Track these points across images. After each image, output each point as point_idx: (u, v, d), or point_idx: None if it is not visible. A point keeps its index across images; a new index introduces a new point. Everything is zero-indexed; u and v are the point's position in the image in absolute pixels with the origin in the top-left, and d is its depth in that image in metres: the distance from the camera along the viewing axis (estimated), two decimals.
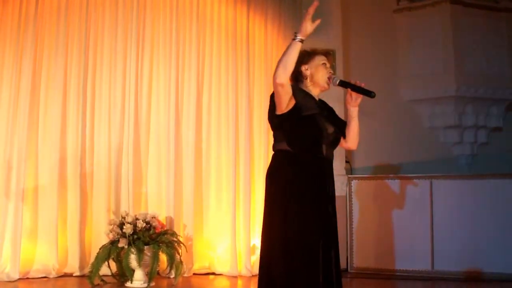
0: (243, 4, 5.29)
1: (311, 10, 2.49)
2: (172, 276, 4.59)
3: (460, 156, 5.78)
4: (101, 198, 4.91)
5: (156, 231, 4.57)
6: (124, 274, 4.44)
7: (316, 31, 5.42)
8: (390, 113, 5.73)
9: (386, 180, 5.29)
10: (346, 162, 5.51)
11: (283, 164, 2.65)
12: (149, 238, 4.47)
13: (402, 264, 5.11)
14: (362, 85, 2.62)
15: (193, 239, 5.01)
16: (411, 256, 5.09)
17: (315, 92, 2.77)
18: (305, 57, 2.75)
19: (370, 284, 4.93)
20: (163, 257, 4.55)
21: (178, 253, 4.60)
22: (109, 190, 4.92)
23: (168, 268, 4.61)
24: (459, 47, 5.51)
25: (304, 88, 2.75)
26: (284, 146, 2.65)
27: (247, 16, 5.28)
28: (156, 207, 4.97)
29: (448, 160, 5.71)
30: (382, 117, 5.72)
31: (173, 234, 4.70)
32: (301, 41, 2.50)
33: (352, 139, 2.79)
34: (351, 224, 5.31)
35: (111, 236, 4.49)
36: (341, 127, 2.78)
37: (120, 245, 4.38)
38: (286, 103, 2.59)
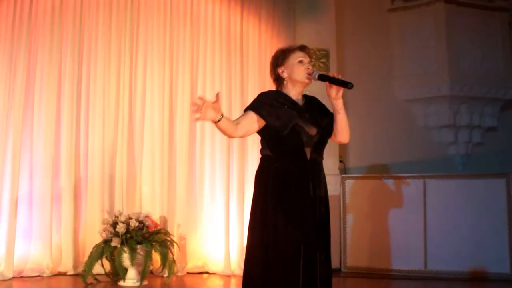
0: (237, 4, 5.30)
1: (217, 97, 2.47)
2: (165, 275, 4.62)
3: (455, 156, 5.77)
4: (96, 198, 4.93)
5: (149, 230, 4.60)
6: (117, 273, 4.47)
7: (310, 31, 5.38)
8: (385, 113, 5.74)
9: (380, 180, 5.30)
10: (340, 161, 5.52)
11: (266, 168, 2.70)
12: (142, 237, 4.50)
13: (395, 264, 5.12)
14: (339, 77, 2.60)
15: (187, 238, 5.04)
16: (404, 256, 5.10)
17: (296, 91, 2.73)
18: (279, 59, 2.75)
19: (363, 284, 4.94)
20: (156, 256, 4.58)
21: (171, 252, 4.63)
22: (103, 190, 4.94)
23: (161, 267, 4.64)
24: (453, 46, 5.51)
25: (285, 90, 2.73)
26: (267, 152, 2.72)
27: (240, 16, 5.29)
28: (150, 206, 5.00)
29: (442, 160, 5.70)
30: (376, 116, 5.73)
31: (166, 233, 4.73)
32: (220, 119, 2.47)
33: (340, 133, 2.72)
34: (344, 224, 5.32)
35: (104, 235, 4.52)
36: (329, 122, 2.72)
37: (113, 244, 4.42)
38: (259, 127, 2.67)
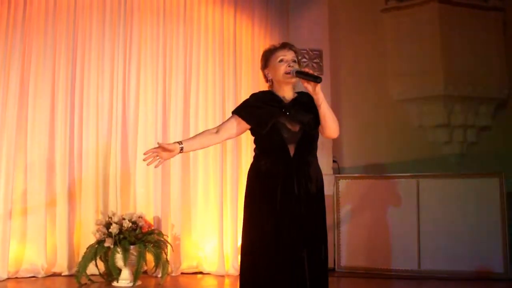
0: (230, 5, 5.31)
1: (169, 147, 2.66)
2: (159, 275, 4.64)
3: (450, 156, 5.77)
4: (90, 198, 4.96)
5: (143, 230, 4.61)
6: (111, 273, 4.49)
7: (303, 31, 5.37)
8: (379, 112, 5.75)
9: (373, 180, 5.30)
10: (334, 161, 5.52)
11: (254, 167, 2.77)
12: (135, 238, 4.52)
13: (389, 264, 5.11)
14: (310, 72, 2.61)
15: (181, 238, 5.06)
16: (399, 256, 5.09)
17: (284, 89, 2.75)
18: (265, 61, 2.81)
19: (357, 284, 4.94)
20: (149, 257, 4.60)
21: (165, 253, 4.65)
22: (97, 190, 4.97)
23: (155, 268, 4.66)
24: (447, 46, 5.51)
25: (275, 90, 2.77)
26: (257, 150, 2.79)
27: (234, 17, 5.30)
28: (145, 207, 5.02)
29: (437, 160, 5.70)
30: (370, 116, 5.74)
31: (160, 233, 4.75)
32: (182, 149, 2.67)
33: (326, 127, 2.67)
34: (338, 224, 5.32)
35: (97, 235, 4.54)
36: (314, 117, 2.69)
37: (106, 244, 4.44)
38: (244, 128, 2.78)
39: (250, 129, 2.79)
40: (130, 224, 4.54)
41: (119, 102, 5.06)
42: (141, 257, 4.46)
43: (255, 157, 2.78)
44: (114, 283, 4.49)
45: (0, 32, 4.85)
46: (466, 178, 5.10)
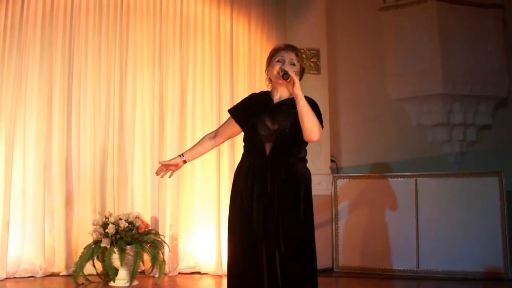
0: (227, 5, 5.31)
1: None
2: (156, 275, 4.65)
3: (449, 155, 5.72)
4: (87, 199, 4.97)
5: (140, 231, 4.62)
6: (108, 273, 4.51)
7: (300, 30, 5.34)
8: (378, 112, 5.72)
9: (371, 179, 5.27)
10: (332, 161, 5.50)
11: (238, 165, 2.84)
12: (131, 238, 4.53)
13: (388, 264, 5.09)
14: (285, 69, 2.63)
15: (178, 238, 5.06)
16: (397, 256, 5.08)
17: (279, 90, 2.74)
18: (268, 61, 2.81)
19: (355, 284, 4.92)
20: (146, 257, 4.62)
21: (162, 253, 4.66)
22: (94, 191, 4.99)
23: (152, 268, 4.67)
24: (446, 44, 5.47)
25: (272, 90, 2.78)
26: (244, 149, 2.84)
27: (230, 17, 5.30)
28: (142, 207, 5.04)
29: (437, 159, 5.66)
30: (369, 115, 5.72)
31: (157, 234, 4.76)
32: (185, 161, 2.86)
33: (303, 129, 2.58)
34: (336, 224, 5.30)
35: (94, 236, 4.56)
36: (292, 118, 2.65)
37: (102, 245, 4.45)
38: (239, 129, 2.86)
39: None
40: (127, 225, 4.55)
41: (116, 102, 5.08)
42: (137, 257, 4.47)
43: (242, 155, 2.83)
44: (111, 283, 4.50)
45: None
46: (465, 177, 5.07)
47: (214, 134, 2.91)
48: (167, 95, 5.18)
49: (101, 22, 5.11)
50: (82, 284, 4.48)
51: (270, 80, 2.80)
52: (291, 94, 2.71)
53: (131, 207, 5.03)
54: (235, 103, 5.18)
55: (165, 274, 4.77)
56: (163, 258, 4.66)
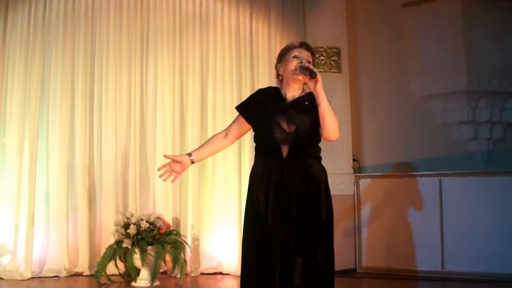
0: (246, 5, 5.31)
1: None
2: (178, 276, 4.67)
3: (476, 153, 5.56)
4: (110, 199, 5.03)
5: (161, 231, 4.65)
6: (130, 273, 4.55)
7: (320, 28, 5.25)
8: (401, 110, 5.59)
9: (395, 179, 5.18)
10: (354, 160, 5.43)
11: (253, 168, 2.73)
12: (152, 239, 4.57)
13: (412, 264, 5.00)
14: (310, 67, 2.54)
15: (200, 239, 5.08)
16: (421, 256, 4.99)
17: (291, 88, 2.65)
18: (280, 56, 2.74)
19: (378, 284, 4.86)
20: (169, 257, 4.64)
21: (183, 253, 4.68)
22: (117, 192, 5.04)
23: (173, 268, 4.69)
24: (470, 40, 5.30)
25: (282, 87, 2.69)
26: (255, 148, 2.75)
27: (250, 17, 5.30)
28: (164, 208, 5.07)
29: (462, 157, 5.49)
30: (393, 114, 5.61)
31: (178, 234, 4.78)
32: (193, 160, 2.70)
33: (323, 128, 2.53)
34: (359, 224, 5.24)
35: (116, 236, 4.61)
36: (310, 118, 2.59)
37: (124, 245, 4.50)
38: (248, 126, 2.75)
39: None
40: (148, 225, 4.59)
41: (137, 103, 5.13)
42: (158, 257, 4.50)
43: (255, 157, 2.73)
44: (133, 283, 4.55)
45: (21, 37, 4.98)
46: (492, 176, 4.94)
47: (225, 134, 2.77)
48: (188, 96, 5.20)
49: (121, 24, 5.16)
50: (105, 284, 4.53)
51: (278, 76, 2.73)
52: (302, 92, 2.66)
53: (153, 208, 5.07)
54: None
55: (187, 274, 4.80)
56: (184, 259, 4.68)
